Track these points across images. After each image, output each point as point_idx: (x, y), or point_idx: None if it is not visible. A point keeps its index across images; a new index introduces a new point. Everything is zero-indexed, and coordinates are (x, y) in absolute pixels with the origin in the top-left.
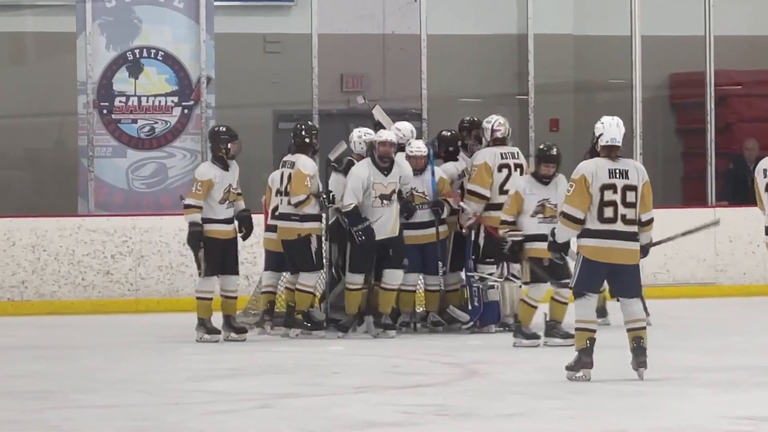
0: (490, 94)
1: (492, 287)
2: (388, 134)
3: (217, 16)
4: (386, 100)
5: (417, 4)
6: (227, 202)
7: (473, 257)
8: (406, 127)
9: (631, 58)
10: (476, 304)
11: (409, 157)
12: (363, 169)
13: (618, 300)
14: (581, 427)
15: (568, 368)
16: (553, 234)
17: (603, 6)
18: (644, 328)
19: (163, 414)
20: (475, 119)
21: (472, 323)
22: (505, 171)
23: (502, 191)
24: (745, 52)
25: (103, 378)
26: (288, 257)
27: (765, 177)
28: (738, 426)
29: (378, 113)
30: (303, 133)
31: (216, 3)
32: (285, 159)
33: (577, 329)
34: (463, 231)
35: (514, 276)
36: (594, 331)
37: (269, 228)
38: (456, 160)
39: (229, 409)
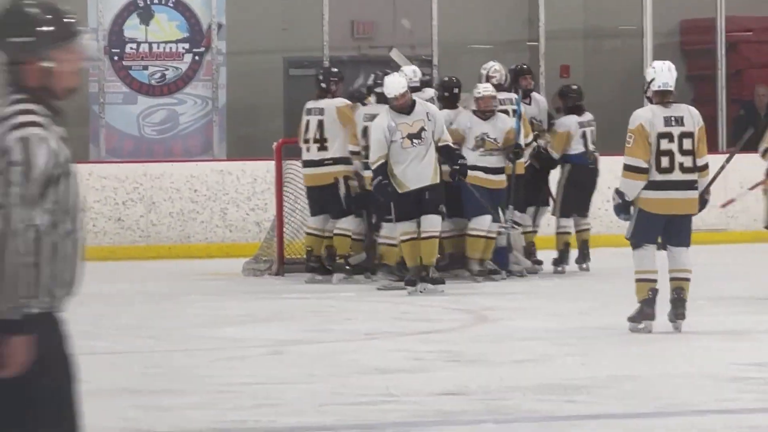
0: (500, 41)
1: (499, 233)
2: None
3: None
4: (397, 45)
5: None
6: None
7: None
8: (409, 70)
9: (642, 5)
10: None
11: (477, 99)
12: (382, 119)
13: (666, 248)
14: (590, 373)
15: (630, 319)
16: (619, 193)
17: None
18: (688, 279)
19: (172, 360)
20: (524, 66)
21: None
22: None
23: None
24: None
25: (113, 324)
26: (320, 203)
27: None
28: (746, 373)
29: (396, 55)
30: (321, 78)
31: None
32: (310, 107)
33: (637, 280)
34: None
35: (516, 223)
36: (655, 281)
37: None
38: (456, 107)
39: (238, 356)
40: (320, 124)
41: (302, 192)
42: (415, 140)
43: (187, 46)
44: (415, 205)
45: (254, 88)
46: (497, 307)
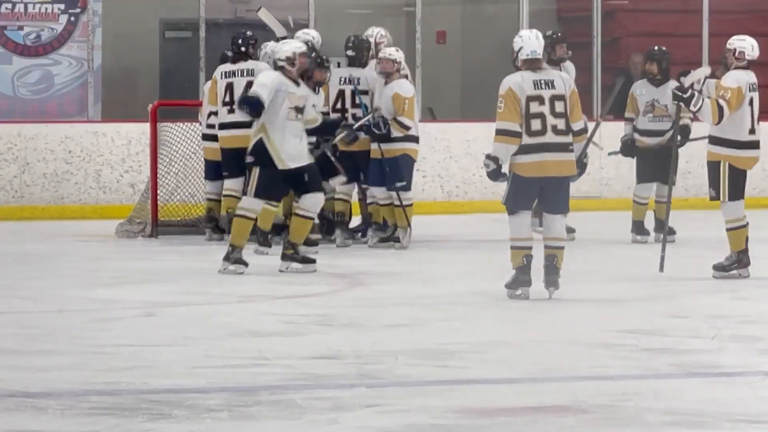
0: (377, 6)
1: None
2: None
3: None
4: (274, 9)
5: None
6: None
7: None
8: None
9: None
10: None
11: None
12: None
13: (542, 215)
14: (463, 338)
15: (506, 286)
16: (492, 158)
17: None
18: (562, 248)
19: (47, 321)
20: (559, 34)
21: (360, 233)
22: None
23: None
24: None
25: None
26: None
27: (750, 91)
28: (619, 339)
29: (264, 15)
30: (240, 42)
31: None
32: (230, 69)
33: (512, 247)
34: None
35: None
36: (530, 248)
37: (208, 137)
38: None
39: (112, 317)
40: (249, 85)
41: (177, 155)
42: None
43: (62, 6)
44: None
45: (130, 49)
46: (371, 271)
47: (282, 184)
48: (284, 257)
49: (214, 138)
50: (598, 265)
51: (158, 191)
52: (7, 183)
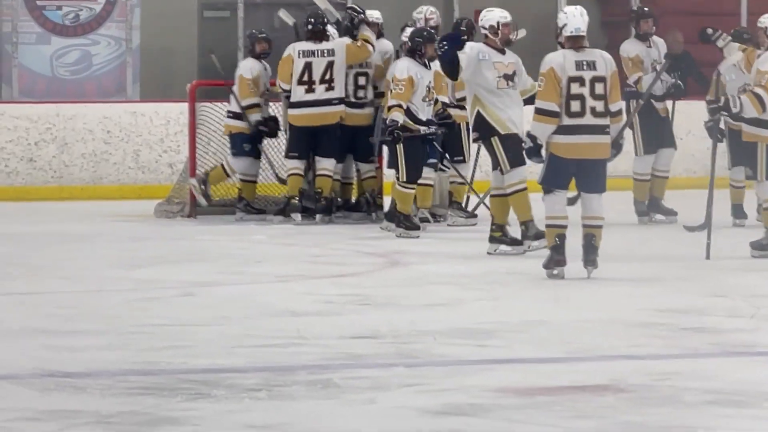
0: None
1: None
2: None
3: None
4: None
5: None
6: None
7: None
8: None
9: None
10: None
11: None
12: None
13: (579, 194)
14: (501, 317)
15: (544, 266)
16: (530, 136)
17: None
18: (600, 227)
19: (85, 301)
20: (645, 9)
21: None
22: None
23: None
24: None
25: (26, 264)
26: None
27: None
28: (656, 318)
29: (284, 16)
30: (314, 21)
31: None
32: (306, 48)
33: (547, 226)
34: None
35: (444, 166)
36: (564, 227)
37: (237, 115)
38: None
39: (151, 297)
40: (330, 65)
41: (215, 134)
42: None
43: None
44: None
45: (168, 29)
46: (408, 251)
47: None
48: (492, 239)
49: (239, 117)
50: (636, 244)
51: (197, 171)
52: (46, 163)
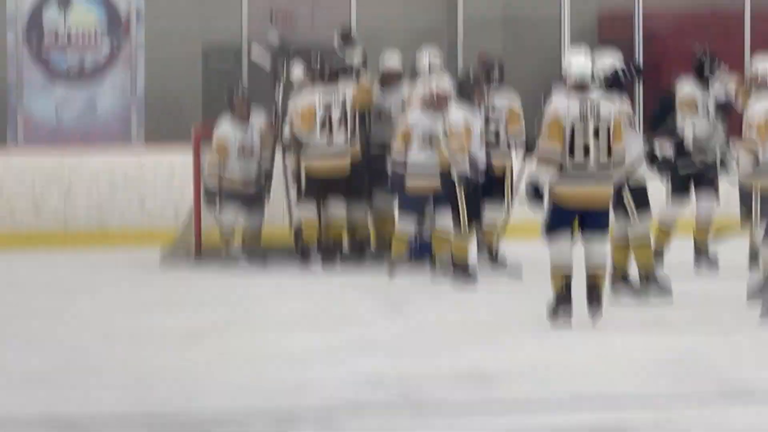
0: (418, 29)
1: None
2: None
3: None
4: (316, 35)
5: None
6: None
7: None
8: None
9: None
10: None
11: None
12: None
13: (582, 242)
14: (506, 362)
15: (549, 315)
16: (530, 180)
17: None
18: (602, 275)
19: (90, 346)
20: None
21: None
22: None
23: None
24: None
25: (32, 311)
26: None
27: None
28: (662, 364)
29: (256, 55)
30: (323, 63)
31: None
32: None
33: (552, 273)
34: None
35: None
36: (569, 274)
37: None
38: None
39: (156, 342)
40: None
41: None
42: None
43: (105, 33)
44: None
45: (173, 76)
46: (413, 295)
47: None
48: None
49: None
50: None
51: (201, 217)
52: (52, 210)
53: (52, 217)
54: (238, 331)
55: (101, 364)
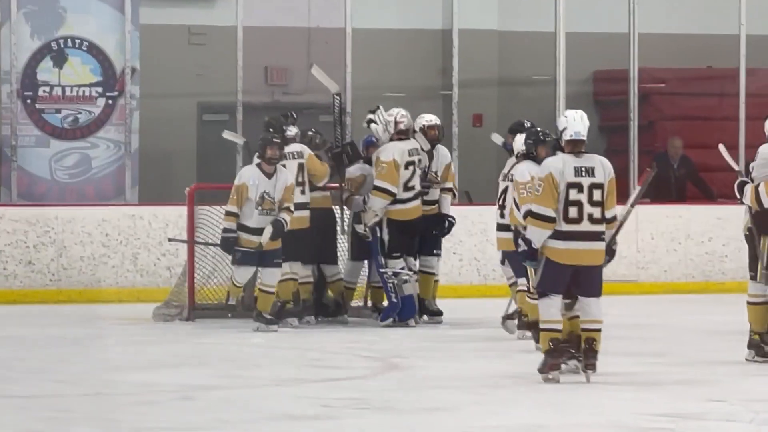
0: (414, 89)
1: (406, 281)
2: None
3: (142, 7)
4: (310, 92)
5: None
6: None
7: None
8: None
9: (555, 54)
10: (393, 299)
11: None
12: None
13: (577, 298)
14: (500, 422)
15: (539, 371)
16: (525, 240)
17: (528, 1)
18: (599, 330)
19: (83, 404)
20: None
21: (392, 319)
22: (411, 168)
23: (407, 188)
24: (668, 50)
25: (22, 367)
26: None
27: None
28: (657, 423)
29: (317, 72)
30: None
31: None
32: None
33: (542, 330)
34: (365, 230)
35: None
36: (559, 331)
37: None
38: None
39: (149, 400)
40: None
41: (214, 237)
42: None
43: (100, 89)
44: None
45: (167, 132)
46: (407, 354)
47: None
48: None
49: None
50: (634, 348)
51: (195, 274)
52: (45, 266)
53: (45, 272)
54: (231, 389)
55: (94, 423)
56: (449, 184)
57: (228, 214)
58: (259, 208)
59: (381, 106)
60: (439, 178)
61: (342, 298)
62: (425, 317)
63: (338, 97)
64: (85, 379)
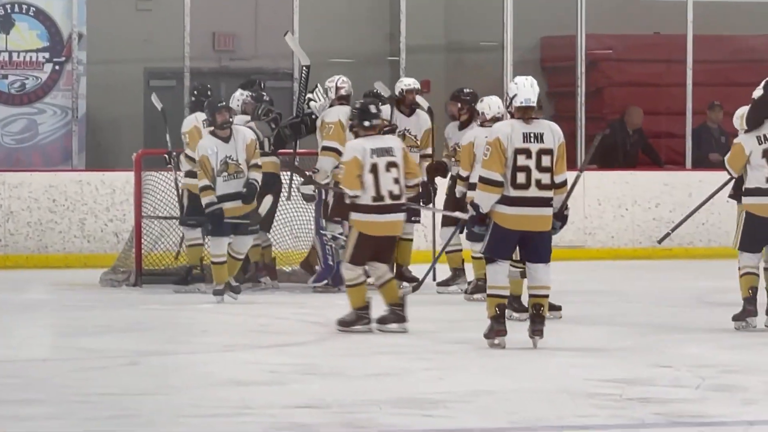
0: (361, 55)
1: (343, 246)
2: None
3: None
4: (258, 58)
5: None
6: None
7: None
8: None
9: (503, 20)
10: (330, 263)
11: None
12: None
13: (525, 264)
14: (447, 387)
15: (485, 336)
16: (473, 205)
17: None
18: (546, 296)
19: (28, 370)
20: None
21: (326, 282)
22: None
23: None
24: (616, 17)
25: None
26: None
27: (764, 142)
28: (603, 389)
29: (290, 40)
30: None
31: None
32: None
33: (488, 295)
34: (314, 190)
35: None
36: (506, 297)
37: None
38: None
39: (96, 366)
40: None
41: (161, 203)
42: None
43: (47, 55)
44: None
45: (114, 98)
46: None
47: None
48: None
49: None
50: (581, 314)
51: (142, 240)
52: None
53: None
54: (178, 355)
55: (40, 389)
56: (429, 150)
57: (203, 189)
58: (225, 173)
59: (319, 84)
60: (419, 143)
61: (273, 263)
62: (404, 284)
63: (306, 69)
64: (31, 345)
